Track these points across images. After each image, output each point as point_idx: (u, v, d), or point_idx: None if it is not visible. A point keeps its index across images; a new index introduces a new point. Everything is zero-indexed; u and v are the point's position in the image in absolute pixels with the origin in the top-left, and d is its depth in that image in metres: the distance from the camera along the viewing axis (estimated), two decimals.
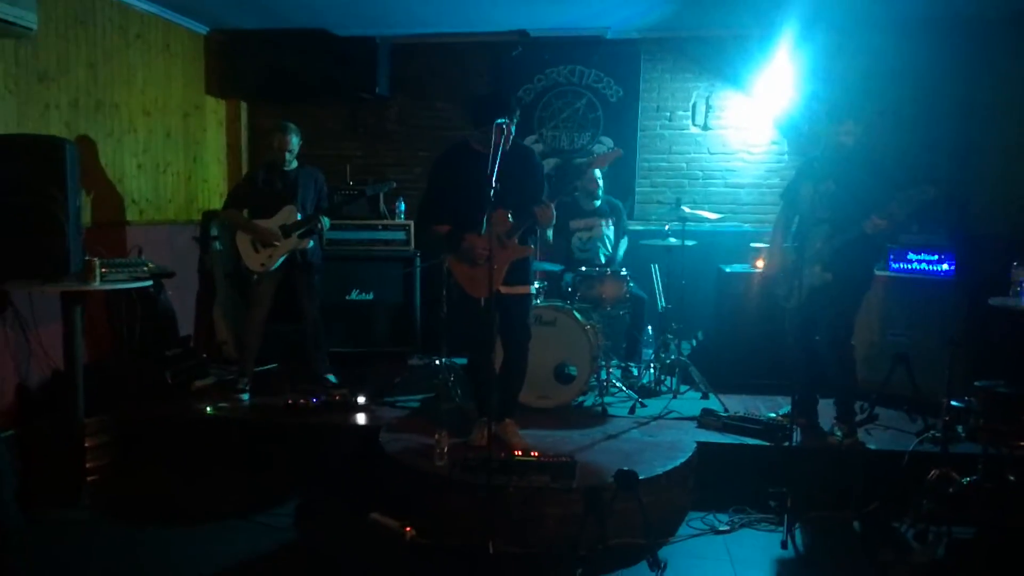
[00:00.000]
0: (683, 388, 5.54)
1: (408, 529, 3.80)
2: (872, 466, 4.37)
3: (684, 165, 6.91)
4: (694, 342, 6.32)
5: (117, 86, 5.72)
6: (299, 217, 5.32)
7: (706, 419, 4.87)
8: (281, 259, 5.32)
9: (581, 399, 5.27)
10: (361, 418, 5.04)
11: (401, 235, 6.55)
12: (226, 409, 5.17)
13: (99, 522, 4.23)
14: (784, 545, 3.84)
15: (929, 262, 5.36)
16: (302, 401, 5.10)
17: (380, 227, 6.59)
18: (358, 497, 4.35)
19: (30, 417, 4.67)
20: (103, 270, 4.47)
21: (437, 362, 5.55)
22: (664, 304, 5.89)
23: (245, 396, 5.36)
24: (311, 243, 5.42)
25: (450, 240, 4.18)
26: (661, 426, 4.88)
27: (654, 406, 5.21)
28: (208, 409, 5.12)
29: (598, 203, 5.91)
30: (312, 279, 5.50)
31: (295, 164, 5.48)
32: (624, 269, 5.50)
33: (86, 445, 4.54)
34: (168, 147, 6.38)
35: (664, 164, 6.93)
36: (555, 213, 4.10)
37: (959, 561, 3.69)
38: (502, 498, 3.76)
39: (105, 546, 3.96)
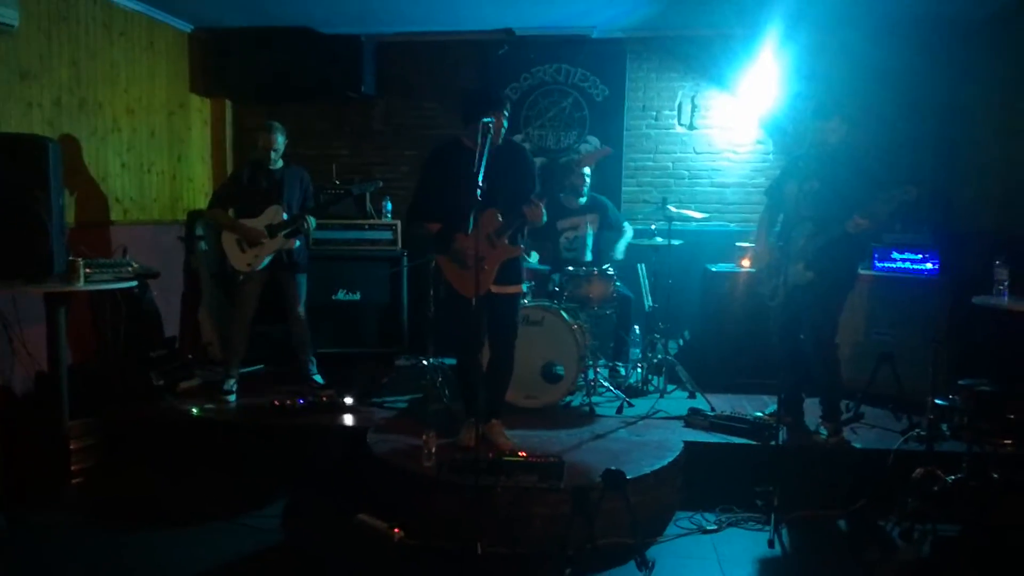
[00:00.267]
0: (670, 387, 5.56)
1: (396, 530, 3.79)
2: (858, 465, 4.40)
3: (670, 164, 6.93)
4: (681, 341, 6.34)
5: (101, 84, 5.67)
6: (285, 217, 5.30)
7: (693, 418, 4.89)
8: (267, 259, 5.29)
9: (569, 399, 5.28)
10: (348, 419, 5.03)
11: (388, 235, 6.53)
12: (212, 410, 5.14)
13: (84, 524, 4.20)
14: (771, 544, 3.86)
15: (913, 261, 5.40)
16: (289, 402, 5.08)
17: (367, 227, 6.57)
18: (346, 498, 4.33)
19: (14, 419, 4.62)
20: (87, 270, 4.44)
21: (424, 362, 5.54)
22: (651, 303, 5.90)
23: (231, 397, 5.33)
24: (297, 243, 5.40)
25: (440, 240, 4.17)
26: (648, 425, 4.89)
27: (641, 406, 5.22)
28: (194, 410, 5.09)
29: (583, 200, 5.90)
30: (298, 279, 5.47)
31: (281, 163, 5.45)
32: (611, 269, 5.51)
33: (71, 447, 4.51)
34: (152, 146, 6.33)
35: (650, 163, 6.94)
36: (545, 212, 4.10)
37: (944, 559, 3.72)
38: (490, 498, 3.76)
39: (90, 549, 3.92)
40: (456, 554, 3.63)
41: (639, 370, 5.72)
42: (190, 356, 6.04)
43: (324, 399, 5.17)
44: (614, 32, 6.74)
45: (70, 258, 4.39)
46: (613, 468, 3.69)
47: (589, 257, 5.87)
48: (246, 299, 5.38)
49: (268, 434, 4.89)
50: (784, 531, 3.99)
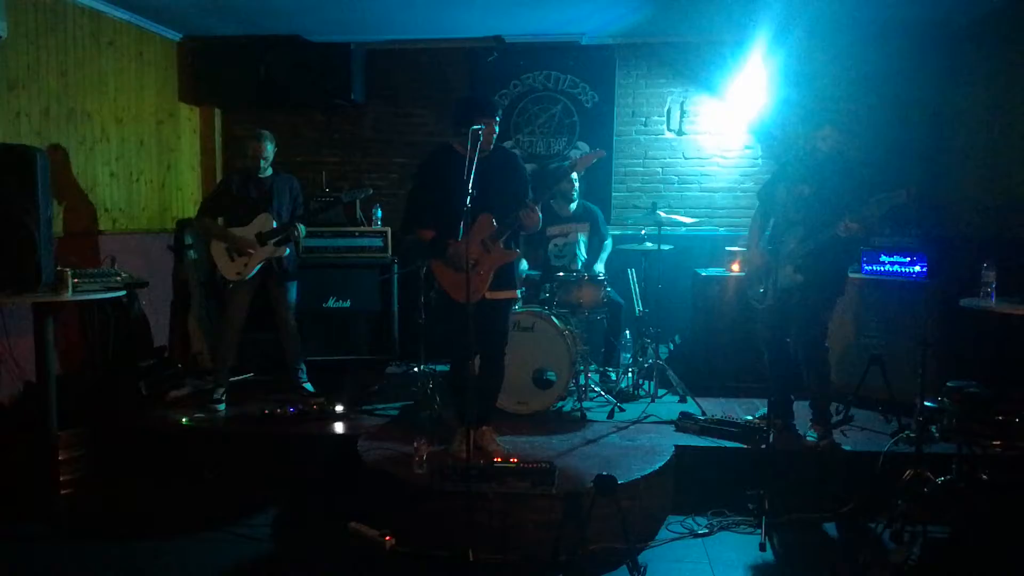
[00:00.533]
0: (661, 392, 5.57)
1: (388, 538, 3.78)
2: (848, 467, 4.42)
3: (660, 170, 6.95)
4: (671, 346, 6.35)
5: (89, 94, 5.66)
6: (275, 225, 5.29)
7: (684, 422, 4.89)
8: (257, 267, 5.28)
9: (560, 404, 5.27)
10: (339, 427, 5.01)
11: (378, 242, 6.53)
12: (202, 420, 5.11)
13: (73, 536, 4.17)
14: (762, 547, 3.86)
15: (901, 264, 5.43)
16: (279, 411, 5.06)
17: (357, 234, 6.56)
18: (337, 506, 4.32)
19: (2, 430, 4.59)
20: (75, 280, 4.41)
21: (415, 369, 5.53)
22: (641, 308, 5.91)
23: (221, 406, 5.30)
24: (287, 251, 5.39)
25: (434, 246, 4.17)
26: (639, 430, 4.90)
27: (632, 410, 5.23)
28: (184, 420, 5.06)
29: (573, 207, 5.92)
30: (288, 287, 5.46)
31: (270, 171, 5.45)
32: (602, 274, 5.52)
33: (59, 458, 4.47)
34: (141, 155, 6.32)
35: (640, 169, 6.97)
36: (541, 216, 4.11)
37: (935, 560, 3.73)
38: (482, 505, 3.75)
39: (79, 560, 3.90)
40: (448, 561, 3.63)
41: (630, 375, 5.72)
42: (180, 365, 6.01)
43: (314, 407, 5.15)
44: (603, 39, 6.77)
45: (58, 268, 4.35)
46: (604, 473, 3.69)
47: (579, 265, 5.88)
48: (236, 308, 5.36)
49: (258, 443, 4.87)
50: (775, 534, 3.99)
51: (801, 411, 4.82)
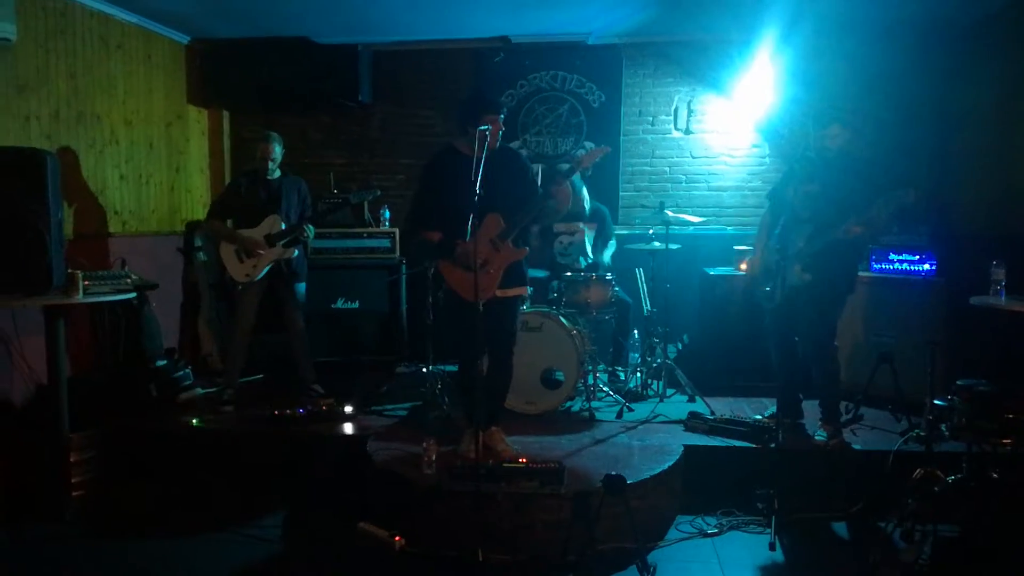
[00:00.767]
0: (669, 391, 5.56)
1: (397, 538, 3.78)
2: (858, 466, 4.41)
3: (667, 169, 6.94)
4: (680, 345, 6.35)
5: (98, 97, 5.69)
6: (283, 227, 5.31)
7: (693, 422, 4.89)
8: (265, 269, 5.30)
9: (568, 404, 5.28)
10: (348, 427, 5.02)
11: (386, 243, 6.54)
12: (212, 421, 5.13)
13: (85, 537, 4.20)
14: (772, 547, 3.84)
15: (910, 262, 5.41)
16: (288, 411, 5.07)
17: (365, 235, 6.58)
18: (346, 507, 4.32)
19: (14, 432, 4.62)
20: (86, 283, 4.44)
21: (424, 370, 5.54)
22: (649, 308, 5.91)
23: (231, 407, 5.33)
24: (296, 252, 5.41)
25: (441, 247, 4.17)
26: (648, 430, 4.90)
27: (641, 410, 5.22)
28: (194, 421, 5.09)
29: (587, 204, 5.91)
30: (297, 288, 5.48)
31: (278, 173, 5.47)
32: (609, 274, 5.52)
33: (71, 460, 4.50)
34: (150, 158, 6.35)
35: (647, 168, 6.96)
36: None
37: (945, 559, 3.71)
38: (491, 505, 3.76)
39: (91, 561, 3.92)
40: (458, 561, 3.63)
41: (638, 375, 5.72)
42: (189, 367, 6.03)
43: (323, 408, 5.16)
44: (610, 38, 6.77)
45: (69, 271, 4.38)
46: (613, 473, 3.68)
47: (585, 263, 5.87)
48: (245, 309, 5.38)
49: (268, 444, 4.89)
50: (785, 534, 3.98)
51: (810, 410, 4.81)
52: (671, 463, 4.27)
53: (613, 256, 6.00)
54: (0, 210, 4.17)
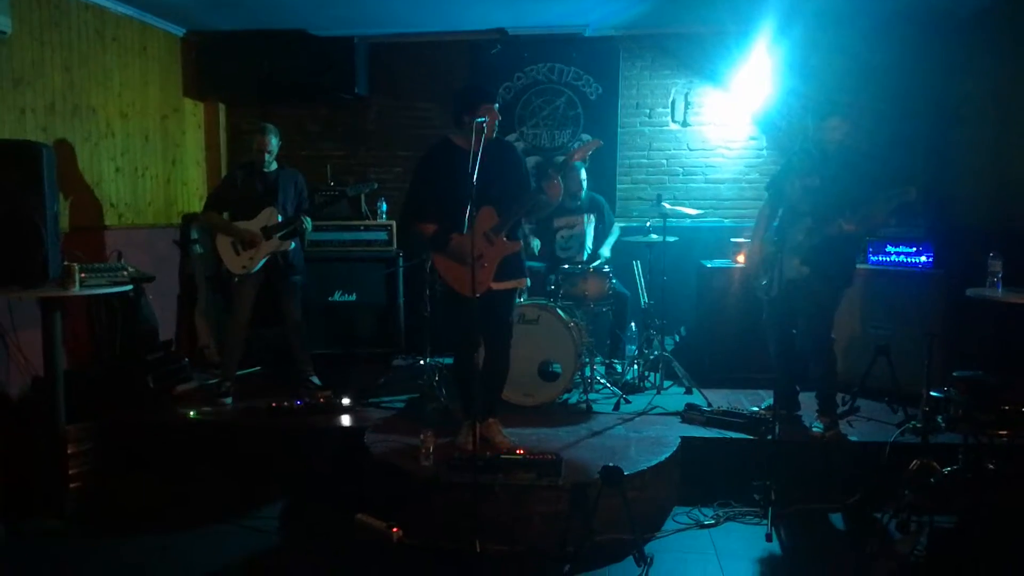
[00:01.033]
0: (666, 383, 5.57)
1: (395, 530, 3.79)
2: (854, 458, 4.42)
3: (664, 161, 6.94)
4: (677, 337, 6.36)
5: (94, 89, 5.67)
6: (280, 219, 5.30)
7: (690, 414, 4.90)
8: (262, 261, 5.29)
9: (566, 396, 5.29)
10: (345, 420, 5.03)
11: (383, 235, 6.53)
12: (209, 413, 5.14)
13: (82, 530, 4.20)
14: (769, 538, 3.87)
15: (907, 254, 5.42)
16: (285, 404, 5.07)
17: (362, 228, 6.57)
18: (344, 499, 4.33)
19: (10, 425, 4.62)
20: (82, 275, 4.43)
21: (421, 362, 5.55)
22: (646, 300, 5.91)
23: (228, 400, 5.33)
24: (292, 245, 5.40)
25: (436, 239, 4.17)
26: (645, 422, 4.90)
27: (638, 402, 5.23)
28: (191, 413, 5.09)
29: (582, 198, 5.91)
30: (294, 281, 5.48)
31: (275, 166, 5.45)
32: (607, 266, 5.52)
33: (68, 452, 4.50)
34: (146, 150, 6.33)
35: (644, 161, 6.96)
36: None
37: (941, 550, 3.73)
38: (488, 497, 3.76)
39: (89, 553, 3.93)
40: (455, 553, 3.64)
41: (635, 367, 5.73)
42: (186, 359, 6.03)
43: (321, 400, 5.17)
44: (607, 30, 6.75)
45: (65, 263, 4.37)
46: (611, 464, 3.69)
47: (586, 255, 5.88)
48: (242, 301, 5.38)
49: (265, 436, 4.90)
50: (781, 525, 4.00)
51: (807, 402, 4.82)
52: (668, 455, 4.28)
53: (615, 246, 5.99)
54: None
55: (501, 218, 4.08)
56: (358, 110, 7.16)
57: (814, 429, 4.63)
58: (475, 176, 3.60)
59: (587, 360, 5.30)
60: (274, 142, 5.38)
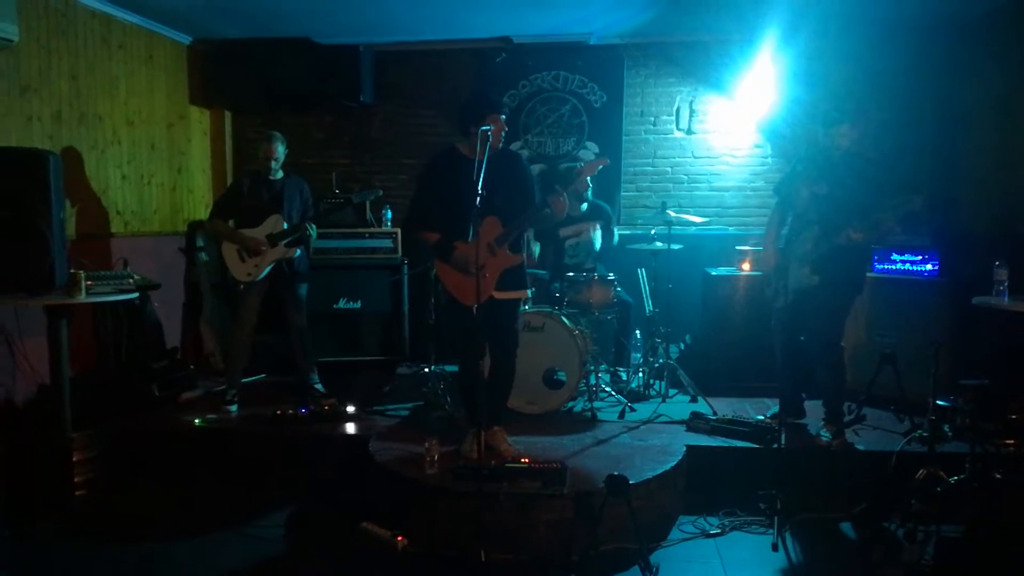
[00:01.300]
0: (672, 392, 5.56)
1: (400, 538, 3.78)
2: (861, 467, 4.40)
3: (669, 169, 6.94)
4: (682, 345, 6.34)
5: (100, 97, 5.69)
6: (285, 227, 5.31)
7: (695, 422, 4.89)
8: (267, 269, 5.30)
9: (570, 404, 5.28)
10: (350, 427, 5.02)
11: (388, 243, 6.54)
12: (214, 421, 5.14)
13: (88, 536, 4.20)
14: (775, 547, 3.85)
15: (913, 262, 5.41)
16: (290, 411, 5.07)
17: (367, 235, 6.58)
18: (349, 507, 4.33)
19: (17, 432, 4.62)
20: (88, 283, 4.44)
21: (426, 370, 5.54)
22: (651, 308, 5.90)
23: (233, 407, 5.33)
24: (298, 252, 5.41)
25: (439, 248, 4.17)
26: (650, 430, 4.89)
27: (643, 410, 5.22)
28: (196, 421, 5.09)
29: (584, 207, 5.92)
30: (299, 289, 5.48)
31: (281, 174, 5.46)
32: (611, 274, 5.52)
33: (74, 459, 4.51)
34: (152, 158, 6.35)
35: (649, 168, 6.96)
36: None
37: (948, 560, 3.71)
38: (493, 505, 3.76)
39: (94, 560, 3.92)
40: (460, 561, 3.64)
41: (640, 375, 5.72)
42: (192, 367, 6.05)
43: (326, 408, 5.17)
44: (611, 39, 6.77)
45: (71, 271, 4.39)
46: (616, 473, 3.68)
47: (592, 260, 5.87)
48: (247, 309, 5.38)
49: (270, 444, 4.89)
50: (788, 534, 3.98)
51: (813, 410, 4.81)
52: (673, 463, 4.27)
53: (611, 247, 5.97)
54: (3, 210, 4.17)
55: (505, 229, 4.08)
56: (363, 118, 7.18)
57: (821, 437, 4.61)
58: (480, 185, 3.60)
59: (592, 368, 5.30)
60: (281, 150, 5.40)
